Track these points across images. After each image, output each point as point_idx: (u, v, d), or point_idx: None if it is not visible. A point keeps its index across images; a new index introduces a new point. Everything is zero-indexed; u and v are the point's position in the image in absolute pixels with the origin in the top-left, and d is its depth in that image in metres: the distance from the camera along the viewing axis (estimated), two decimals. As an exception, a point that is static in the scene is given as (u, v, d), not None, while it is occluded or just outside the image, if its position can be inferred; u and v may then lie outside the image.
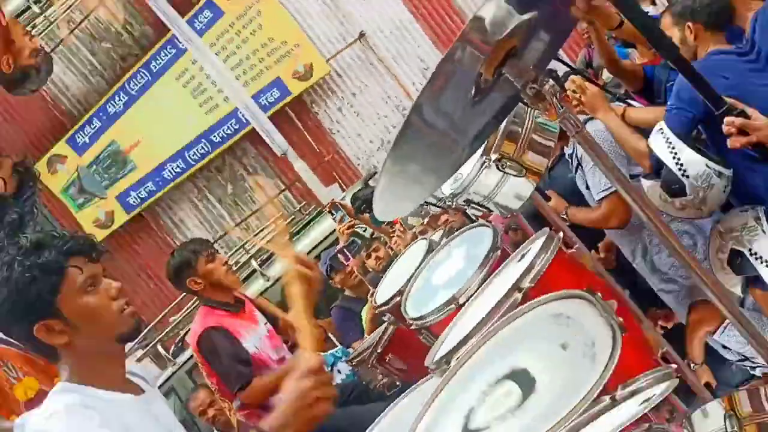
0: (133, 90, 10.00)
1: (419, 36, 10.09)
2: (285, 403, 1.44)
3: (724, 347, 2.85)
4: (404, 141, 1.15)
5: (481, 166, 1.75)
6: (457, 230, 2.63)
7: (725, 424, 1.14)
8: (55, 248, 1.59)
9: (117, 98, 10.03)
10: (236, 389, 2.97)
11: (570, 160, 2.97)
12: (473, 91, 1.12)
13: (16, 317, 1.59)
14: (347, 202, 5.09)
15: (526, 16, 1.12)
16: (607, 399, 1.07)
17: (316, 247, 5.54)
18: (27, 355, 2.78)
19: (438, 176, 1.31)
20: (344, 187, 9.64)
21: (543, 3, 1.11)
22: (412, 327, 2.12)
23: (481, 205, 1.93)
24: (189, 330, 6.11)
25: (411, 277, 2.34)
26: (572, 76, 2.64)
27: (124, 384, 1.69)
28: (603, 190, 2.77)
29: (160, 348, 5.99)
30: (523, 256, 1.83)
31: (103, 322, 1.62)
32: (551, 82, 1.08)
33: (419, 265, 2.36)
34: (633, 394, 1.11)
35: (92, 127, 10.12)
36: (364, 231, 5.08)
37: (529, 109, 1.63)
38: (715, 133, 2.56)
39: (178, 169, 10.14)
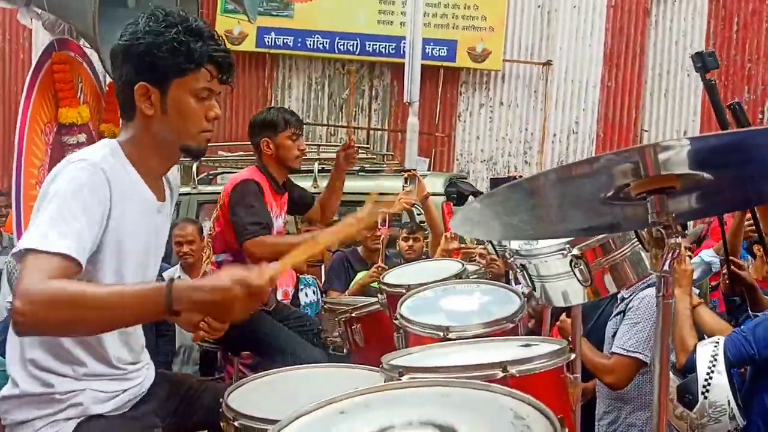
0: None
1: (592, 100, 9.89)
2: (211, 283, 1.43)
3: None
4: (519, 190, 1.13)
5: (558, 250, 1.72)
6: (489, 278, 2.62)
7: None
8: (209, 45, 1.66)
9: None
10: (244, 239, 2.95)
11: (618, 303, 2.91)
12: (610, 193, 1.10)
13: (135, 65, 1.65)
14: (429, 183, 5.07)
15: (701, 173, 1.09)
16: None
17: (369, 194, 5.56)
18: (111, 90, 2.85)
19: (519, 233, 1.30)
20: (432, 167, 9.61)
21: (727, 178, 1.08)
22: (395, 322, 2.13)
23: (531, 279, 1.90)
24: (222, 175, 6.29)
25: (428, 283, 2.34)
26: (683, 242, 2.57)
27: (156, 183, 1.76)
28: (624, 348, 2.71)
29: (194, 168, 6.13)
30: (528, 345, 1.80)
31: (186, 127, 1.69)
32: (679, 239, 1.06)
33: (441, 280, 2.36)
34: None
35: None
36: (419, 214, 5.05)
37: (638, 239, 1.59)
38: (758, 383, 2.48)
39: (320, 46, 10.22)
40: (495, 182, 5.34)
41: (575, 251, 1.68)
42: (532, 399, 1.23)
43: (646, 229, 1.09)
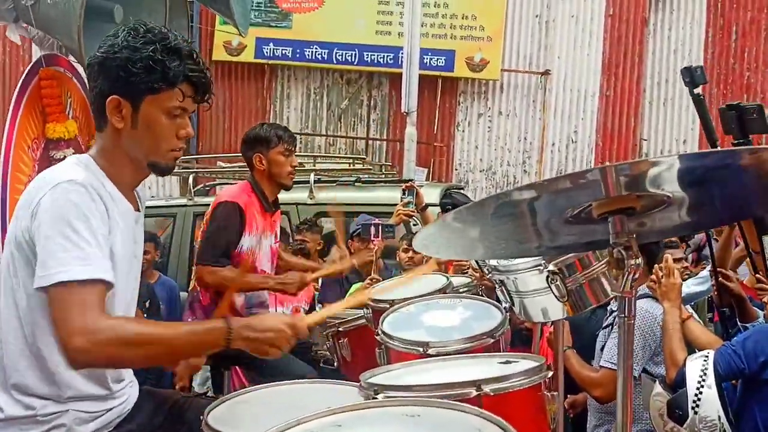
0: None
1: (591, 109, 9.89)
2: (264, 326, 1.63)
3: None
4: (490, 205, 1.12)
5: (534, 266, 1.71)
6: (480, 294, 2.60)
7: None
8: (186, 65, 1.66)
9: None
10: (199, 262, 3.07)
11: (607, 315, 2.90)
12: (573, 212, 1.09)
13: (109, 77, 1.65)
14: (426, 194, 5.06)
15: (672, 191, 1.08)
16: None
17: (365, 204, 5.54)
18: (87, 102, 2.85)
19: (493, 252, 1.29)
20: (431, 177, 9.61)
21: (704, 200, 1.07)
22: (377, 338, 2.11)
23: (509, 295, 1.89)
24: (219, 186, 6.29)
25: (411, 298, 2.33)
26: (669, 254, 2.55)
27: (130, 194, 1.76)
28: (612, 361, 2.70)
29: (191, 179, 6.14)
30: (508, 361, 1.79)
31: (156, 144, 1.69)
32: (639, 261, 1.04)
33: (424, 294, 2.35)
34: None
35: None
36: (415, 225, 5.04)
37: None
38: (748, 397, 2.46)
39: (318, 57, 10.26)
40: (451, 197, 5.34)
41: (551, 267, 1.67)
42: (502, 421, 1.21)
43: (607, 250, 1.08)
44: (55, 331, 1.49)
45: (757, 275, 2.82)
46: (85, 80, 3.04)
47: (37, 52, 3.97)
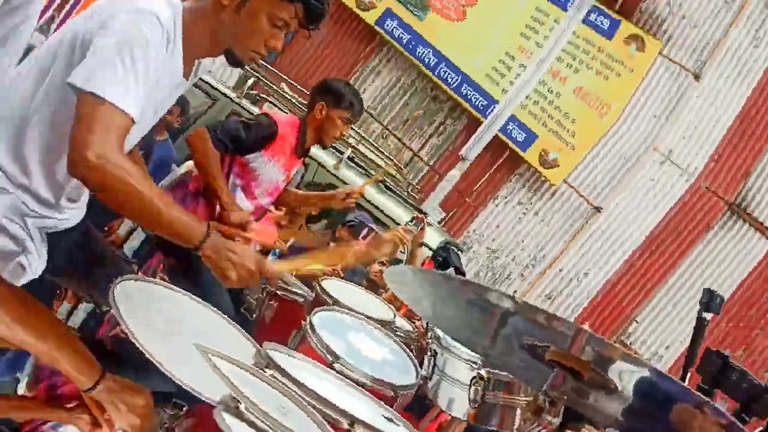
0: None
1: (613, 265, 9.88)
2: (234, 247, 1.64)
3: None
4: (471, 291, 1.13)
5: (470, 360, 1.71)
6: (412, 349, 2.60)
7: None
8: None
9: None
10: (214, 131, 2.95)
11: None
12: (531, 342, 1.09)
13: None
14: (429, 234, 5.07)
15: (623, 387, 1.08)
16: None
17: (374, 206, 5.58)
18: None
19: (447, 325, 1.29)
20: (444, 224, 9.61)
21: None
22: (303, 322, 2.12)
23: (433, 368, 1.89)
24: (270, 106, 6.31)
25: (354, 311, 2.34)
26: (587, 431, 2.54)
27: (190, 61, 1.77)
28: None
29: (250, 82, 6.17)
30: (391, 420, 1.79)
31: (245, 37, 1.72)
32: (555, 421, 1.05)
33: (367, 316, 2.35)
34: None
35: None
36: (402, 253, 5.06)
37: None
38: None
39: (427, 60, 10.31)
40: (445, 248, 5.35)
41: (483, 372, 1.67)
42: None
43: (534, 394, 1.08)
44: (73, 133, 1.49)
45: None
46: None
47: None
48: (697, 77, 9.73)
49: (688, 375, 2.41)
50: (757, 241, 9.51)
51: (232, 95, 6.08)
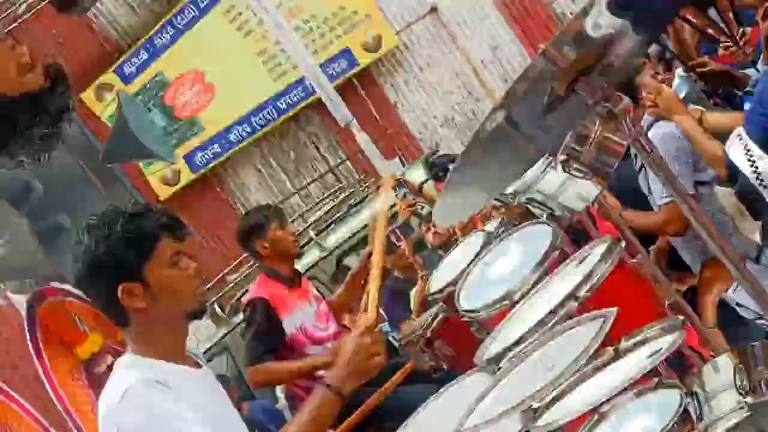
0: (180, 24, 9.96)
1: (493, 14, 9.90)
2: (346, 356, 1.67)
3: (740, 305, 2.72)
4: (475, 146, 1.14)
5: (546, 167, 1.72)
6: (516, 224, 2.60)
7: (735, 378, 1.11)
8: (153, 219, 1.69)
9: (164, 31, 9.97)
10: (248, 362, 3.09)
11: (635, 160, 2.89)
12: (546, 102, 1.10)
13: (104, 275, 1.67)
14: (411, 177, 5.06)
15: (612, 26, 1.09)
16: (610, 350, 1.07)
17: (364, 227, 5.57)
18: (95, 310, 2.89)
19: (503, 182, 1.30)
20: (405, 161, 9.62)
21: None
22: (464, 319, 2.12)
23: (544, 205, 1.90)
24: (245, 291, 6.31)
25: (466, 268, 2.34)
26: (647, 78, 2.56)
27: (185, 359, 1.77)
28: (664, 196, 2.70)
29: (216, 307, 6.17)
30: (582, 260, 1.80)
31: (180, 296, 1.71)
32: (625, 101, 1.06)
33: (475, 257, 2.36)
34: (637, 345, 1.11)
35: (139, 58, 10.05)
36: (422, 209, 5.06)
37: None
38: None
39: (244, 133, 10.30)
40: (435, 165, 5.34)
41: (561, 157, 1.68)
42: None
43: (595, 113, 1.10)
44: None
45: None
46: (74, 292, 3.06)
47: (21, 303, 4.01)
48: None
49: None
50: None
51: (227, 328, 6.07)
